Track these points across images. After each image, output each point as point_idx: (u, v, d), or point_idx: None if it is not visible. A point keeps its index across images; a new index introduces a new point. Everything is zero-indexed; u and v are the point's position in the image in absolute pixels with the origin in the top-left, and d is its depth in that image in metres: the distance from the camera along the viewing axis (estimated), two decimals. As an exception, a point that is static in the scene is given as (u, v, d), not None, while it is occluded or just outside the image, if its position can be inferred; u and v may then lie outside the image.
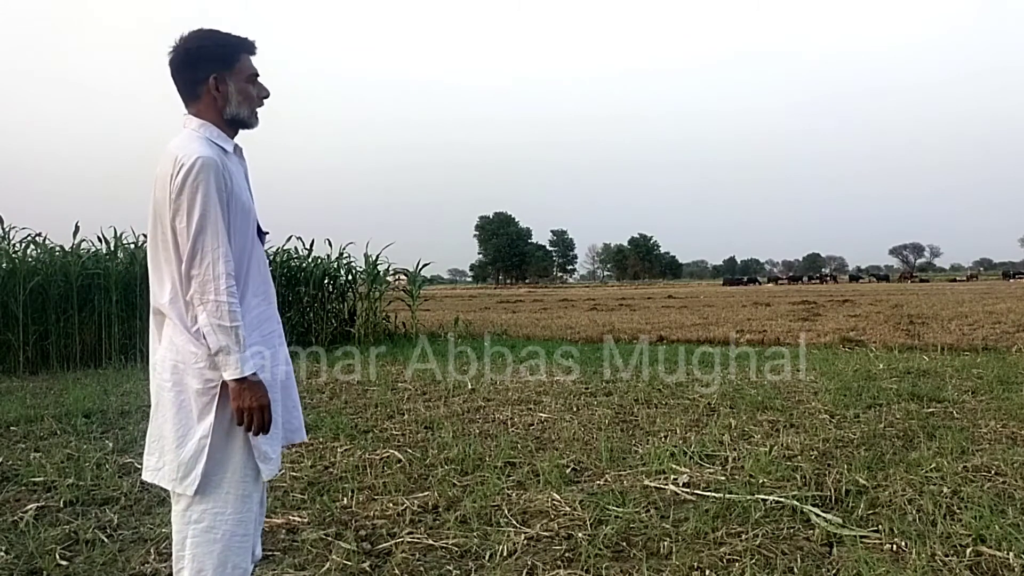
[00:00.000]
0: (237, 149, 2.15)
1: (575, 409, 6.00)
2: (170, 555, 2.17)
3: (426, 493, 3.74)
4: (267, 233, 2.23)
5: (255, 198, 2.22)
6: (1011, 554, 2.80)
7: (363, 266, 13.51)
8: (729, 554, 2.91)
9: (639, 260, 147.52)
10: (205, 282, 1.91)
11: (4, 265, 9.48)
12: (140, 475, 4.20)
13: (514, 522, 3.32)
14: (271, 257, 12.36)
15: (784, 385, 7.02)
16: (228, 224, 1.97)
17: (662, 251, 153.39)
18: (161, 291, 2.02)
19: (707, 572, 2.77)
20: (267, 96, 2.18)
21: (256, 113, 2.16)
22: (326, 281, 13.14)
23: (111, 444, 4.88)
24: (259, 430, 1.99)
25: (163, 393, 2.02)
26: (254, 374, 1.96)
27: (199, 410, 1.98)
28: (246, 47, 2.12)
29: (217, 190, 1.92)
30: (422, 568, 2.88)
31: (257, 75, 2.14)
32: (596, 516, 3.34)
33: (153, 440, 2.05)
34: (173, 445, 1.99)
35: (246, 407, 1.95)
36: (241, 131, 2.17)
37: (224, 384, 1.97)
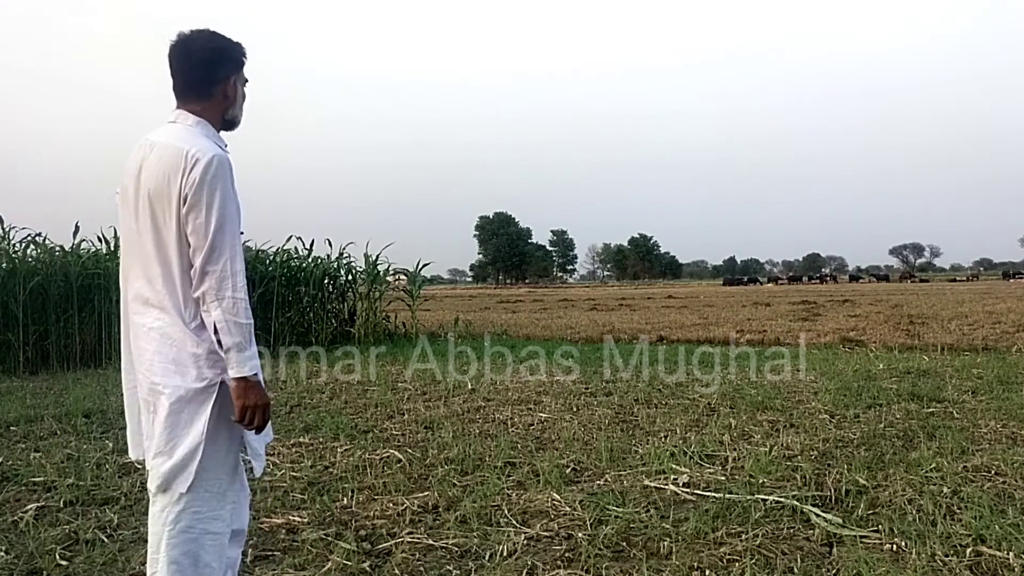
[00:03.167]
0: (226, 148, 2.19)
1: (575, 409, 6.00)
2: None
3: (426, 493, 3.74)
4: (242, 233, 2.23)
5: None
6: (1011, 554, 2.80)
7: (363, 266, 13.53)
8: (729, 554, 2.91)
9: (639, 260, 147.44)
10: (223, 279, 1.91)
11: (4, 265, 9.48)
12: (140, 475, 4.20)
13: (514, 522, 3.32)
14: (271, 257, 12.38)
15: (784, 385, 7.01)
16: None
17: (662, 251, 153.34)
18: (152, 285, 1.99)
19: (707, 572, 2.77)
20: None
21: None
22: (326, 281, 13.14)
23: (111, 444, 4.88)
24: (260, 427, 2.00)
25: (156, 398, 1.98)
26: (255, 373, 1.97)
27: (195, 409, 1.96)
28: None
29: (232, 188, 1.96)
30: (422, 568, 2.88)
31: (247, 80, 2.20)
32: (596, 516, 3.34)
33: (148, 440, 2.04)
34: (166, 447, 1.96)
35: (251, 405, 1.95)
36: (225, 132, 2.21)
37: (221, 383, 1.97)
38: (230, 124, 2.17)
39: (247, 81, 2.19)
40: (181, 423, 1.96)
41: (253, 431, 2.01)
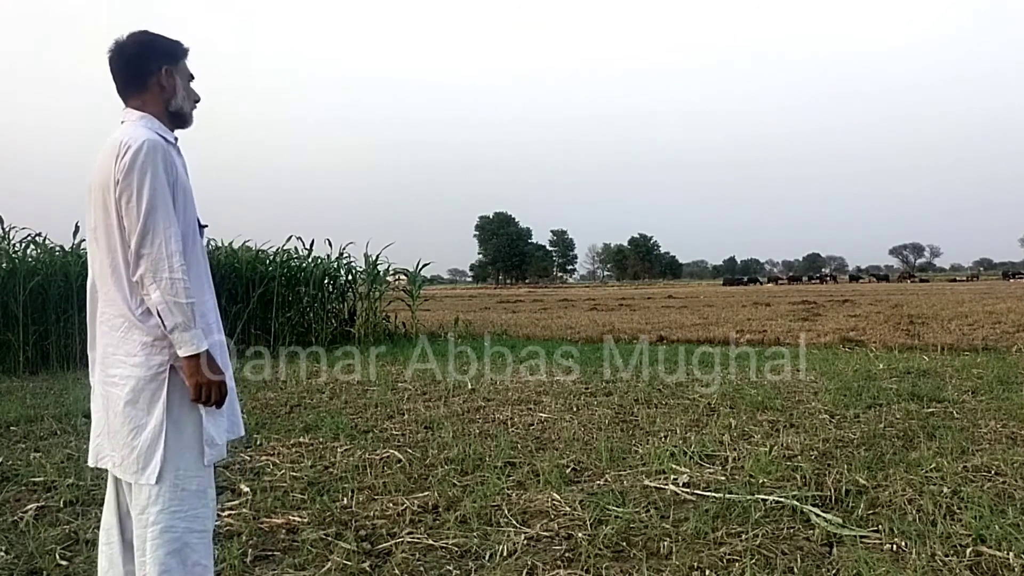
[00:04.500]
0: (176, 142, 2.19)
1: (575, 409, 6.00)
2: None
3: (426, 493, 3.74)
4: (206, 226, 2.25)
5: (195, 193, 2.25)
6: (1011, 554, 2.80)
7: (363, 266, 13.53)
8: (729, 554, 2.91)
9: (639, 260, 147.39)
10: (158, 260, 1.92)
11: (4, 265, 9.48)
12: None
13: (514, 522, 3.32)
14: (271, 257, 12.38)
15: (784, 385, 7.02)
16: (175, 207, 2.00)
17: (662, 251, 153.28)
18: (103, 276, 2.03)
19: (707, 572, 2.77)
20: (198, 100, 2.25)
21: (192, 113, 2.23)
22: (326, 281, 13.15)
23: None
24: (217, 403, 2.00)
25: (111, 389, 2.02)
26: (205, 350, 1.97)
27: (149, 397, 1.98)
28: (186, 50, 2.21)
29: (165, 172, 1.97)
30: (422, 568, 2.88)
31: (193, 77, 2.23)
32: (596, 516, 3.34)
33: (112, 435, 2.04)
34: (128, 438, 1.99)
35: (204, 381, 1.96)
36: (178, 130, 2.22)
37: (172, 368, 1.98)
38: (178, 118, 2.19)
39: (192, 78, 2.22)
40: (138, 413, 1.98)
41: (213, 407, 2.01)
